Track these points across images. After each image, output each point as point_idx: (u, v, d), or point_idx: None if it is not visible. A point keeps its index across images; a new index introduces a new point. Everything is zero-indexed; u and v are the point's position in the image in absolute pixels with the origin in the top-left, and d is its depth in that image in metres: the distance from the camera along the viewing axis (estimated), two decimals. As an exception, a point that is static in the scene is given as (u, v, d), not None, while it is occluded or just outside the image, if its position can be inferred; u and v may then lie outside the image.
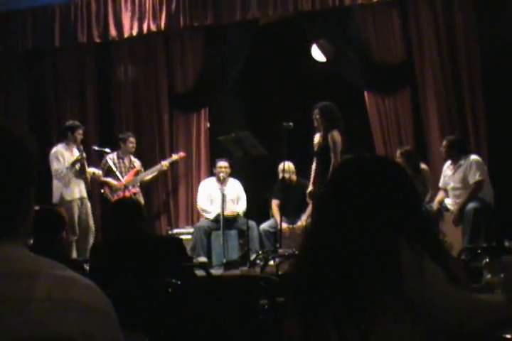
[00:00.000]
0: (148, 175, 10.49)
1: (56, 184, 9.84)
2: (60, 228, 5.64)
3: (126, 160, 10.37)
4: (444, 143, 9.10)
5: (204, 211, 10.37)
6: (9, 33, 11.62)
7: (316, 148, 9.00)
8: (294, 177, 10.21)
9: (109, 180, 10.16)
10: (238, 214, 10.19)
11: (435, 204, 9.05)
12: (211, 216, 10.17)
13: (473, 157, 8.88)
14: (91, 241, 9.82)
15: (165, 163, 10.45)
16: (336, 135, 8.68)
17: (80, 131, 9.95)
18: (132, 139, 10.43)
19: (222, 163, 10.28)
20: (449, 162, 9.10)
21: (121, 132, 10.77)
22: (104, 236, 10.24)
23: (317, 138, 9.04)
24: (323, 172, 8.66)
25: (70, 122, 10.09)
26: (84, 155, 9.85)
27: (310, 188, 9.03)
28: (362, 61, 10.45)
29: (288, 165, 9.82)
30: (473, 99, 9.87)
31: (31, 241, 5.25)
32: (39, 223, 5.26)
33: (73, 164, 9.75)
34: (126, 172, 10.27)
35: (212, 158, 11.01)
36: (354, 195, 2.40)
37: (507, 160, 9.40)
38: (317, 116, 8.86)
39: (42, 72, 11.81)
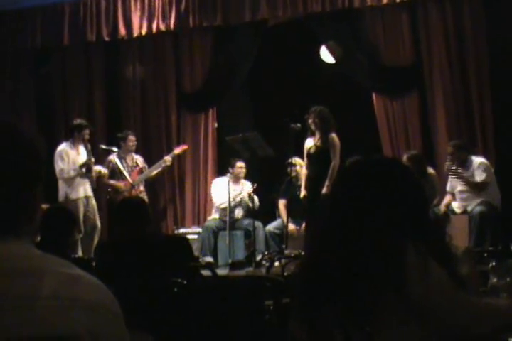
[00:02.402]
0: (153, 172, 10.41)
1: (61, 183, 9.84)
2: (72, 227, 5.67)
3: (128, 159, 10.31)
4: (449, 148, 9.10)
5: (222, 203, 10.31)
6: (18, 30, 11.65)
7: (312, 151, 9.02)
8: (301, 175, 10.18)
9: (114, 182, 10.13)
10: (242, 198, 10.23)
11: (442, 208, 9.03)
12: (226, 204, 10.14)
13: (480, 159, 8.89)
14: (96, 239, 9.83)
15: (167, 158, 10.37)
16: (335, 137, 8.83)
17: (87, 131, 9.89)
18: (131, 137, 10.35)
19: (241, 163, 10.29)
20: (454, 164, 9.09)
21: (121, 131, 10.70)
22: (111, 235, 10.23)
23: (311, 142, 9.07)
24: (322, 174, 8.67)
25: (77, 121, 10.01)
26: (93, 159, 9.83)
27: (303, 193, 9.05)
28: (370, 63, 10.44)
29: (295, 159, 9.81)
30: (481, 102, 9.86)
31: (38, 239, 5.26)
32: (51, 221, 5.29)
33: (81, 167, 9.74)
34: (130, 172, 10.23)
35: (220, 159, 11.02)
36: (361, 195, 2.40)
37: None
38: (316, 120, 8.92)
39: (50, 70, 11.83)
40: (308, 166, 9.14)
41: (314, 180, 8.89)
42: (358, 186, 2.44)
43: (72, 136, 9.90)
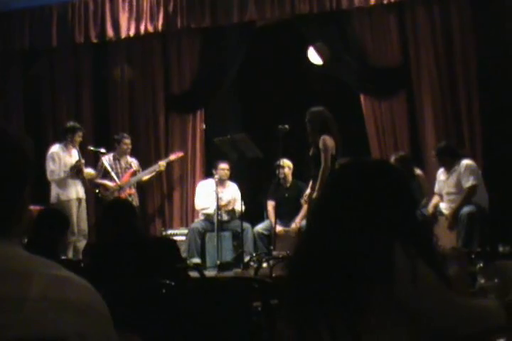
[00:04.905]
0: (146, 176, 10.45)
1: (53, 185, 9.86)
2: (65, 229, 5.67)
3: (122, 161, 10.33)
4: (433, 153, 9.12)
5: (203, 209, 10.32)
6: (6, 32, 11.64)
7: (310, 154, 9.01)
8: (290, 176, 10.20)
9: (105, 181, 10.14)
10: (233, 208, 10.20)
11: (430, 209, 9.03)
12: (211, 210, 10.14)
13: (467, 161, 8.87)
14: (83, 241, 9.83)
15: (162, 163, 10.42)
16: (326, 139, 8.39)
17: (80, 134, 9.96)
18: (127, 140, 10.38)
19: (224, 165, 10.28)
20: (442, 167, 9.10)
21: (117, 133, 10.73)
22: (99, 236, 10.22)
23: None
24: (315, 176, 8.65)
25: (71, 124, 10.05)
26: (83, 161, 9.85)
27: (308, 191, 9.01)
28: (358, 64, 10.44)
29: (284, 161, 9.87)
30: (469, 104, 9.88)
31: (25, 240, 5.26)
32: (44, 222, 5.29)
33: (72, 169, 9.75)
34: (123, 173, 10.23)
35: (208, 160, 11.01)
36: (352, 197, 2.40)
37: (502, 165, 9.40)
38: (307, 123, 8.82)
39: (38, 72, 11.80)
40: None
41: (312, 183, 8.86)
42: (349, 188, 2.44)
43: (65, 138, 9.91)
